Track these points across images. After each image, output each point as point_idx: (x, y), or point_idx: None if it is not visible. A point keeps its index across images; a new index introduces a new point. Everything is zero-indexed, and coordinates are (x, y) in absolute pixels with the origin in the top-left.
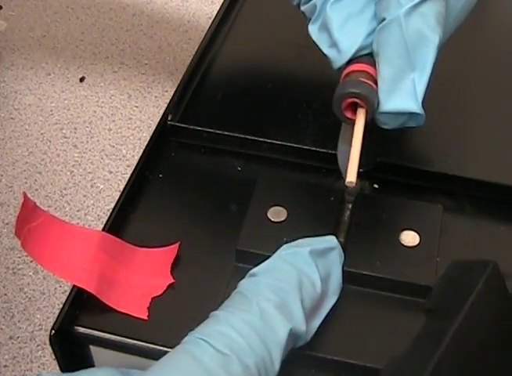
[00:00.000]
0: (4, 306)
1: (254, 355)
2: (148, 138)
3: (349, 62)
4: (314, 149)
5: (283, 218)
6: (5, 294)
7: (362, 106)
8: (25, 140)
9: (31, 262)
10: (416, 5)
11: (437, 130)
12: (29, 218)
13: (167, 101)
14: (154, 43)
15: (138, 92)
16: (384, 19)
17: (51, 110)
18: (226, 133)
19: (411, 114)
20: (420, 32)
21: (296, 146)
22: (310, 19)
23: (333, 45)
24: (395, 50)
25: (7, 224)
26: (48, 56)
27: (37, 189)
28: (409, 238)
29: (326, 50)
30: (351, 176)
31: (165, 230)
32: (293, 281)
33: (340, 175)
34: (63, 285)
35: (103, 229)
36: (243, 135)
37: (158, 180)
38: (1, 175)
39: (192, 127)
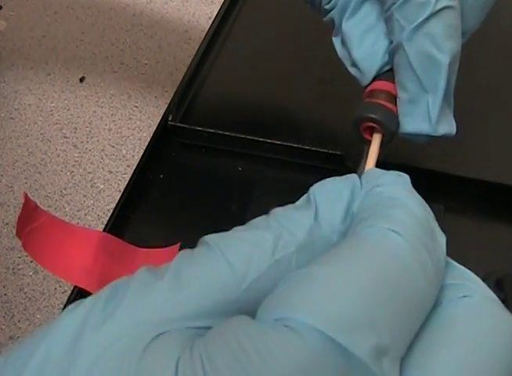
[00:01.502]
0: (4, 306)
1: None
2: (148, 138)
3: (373, 78)
4: (314, 149)
5: None
6: (5, 294)
7: (378, 131)
8: (25, 140)
9: (31, 262)
10: (418, 26)
11: None
12: (30, 219)
13: (167, 101)
14: (154, 43)
15: (138, 92)
16: (392, 42)
17: (51, 110)
18: (227, 133)
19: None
20: (427, 54)
21: (296, 146)
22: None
23: (354, 64)
24: (405, 75)
25: (7, 224)
26: (48, 56)
27: (37, 189)
28: None
29: (349, 68)
30: None
31: (166, 230)
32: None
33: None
34: (63, 285)
35: (104, 230)
36: (243, 136)
37: (159, 180)
38: (1, 175)
39: (192, 127)
